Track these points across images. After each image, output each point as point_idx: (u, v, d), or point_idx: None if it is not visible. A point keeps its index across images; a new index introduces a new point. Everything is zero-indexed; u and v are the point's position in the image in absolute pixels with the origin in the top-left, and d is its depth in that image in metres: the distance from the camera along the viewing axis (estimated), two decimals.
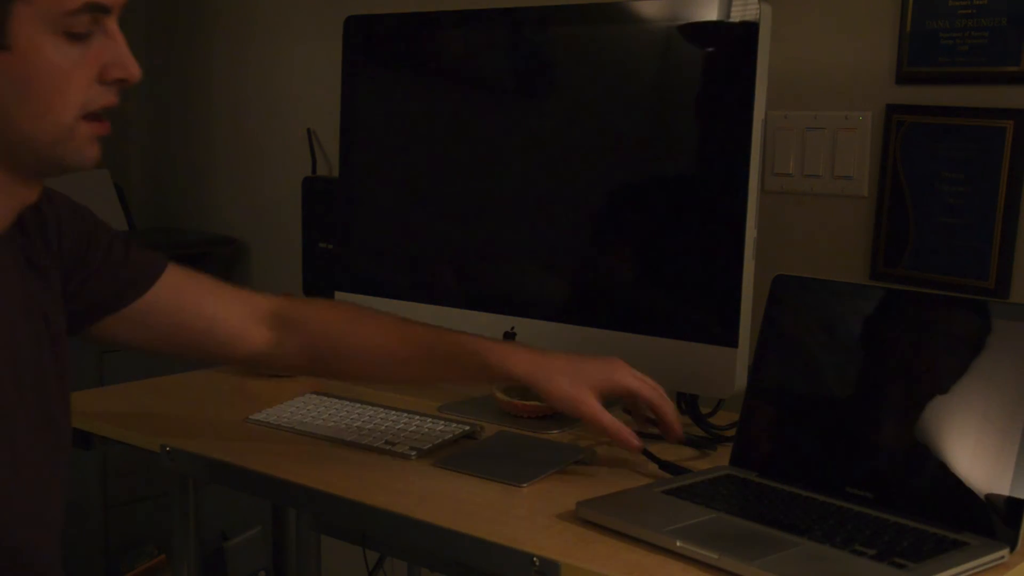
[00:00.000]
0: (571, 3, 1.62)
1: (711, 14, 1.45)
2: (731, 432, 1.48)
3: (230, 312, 1.38)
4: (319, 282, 2.29)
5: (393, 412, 1.58)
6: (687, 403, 1.52)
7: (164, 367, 1.82)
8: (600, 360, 1.36)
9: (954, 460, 1.18)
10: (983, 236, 1.64)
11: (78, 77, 1.02)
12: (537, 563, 1.12)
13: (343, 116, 1.85)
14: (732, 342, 1.43)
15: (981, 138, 1.63)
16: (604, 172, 1.59)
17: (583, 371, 1.34)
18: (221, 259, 2.78)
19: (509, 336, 1.64)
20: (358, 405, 1.61)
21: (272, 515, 2.73)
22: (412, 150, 1.78)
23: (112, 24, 1.04)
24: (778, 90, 1.55)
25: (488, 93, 1.74)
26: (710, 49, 1.47)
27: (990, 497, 1.15)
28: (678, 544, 1.12)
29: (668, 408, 1.36)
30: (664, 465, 1.37)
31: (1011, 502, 1.13)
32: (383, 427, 1.52)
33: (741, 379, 1.44)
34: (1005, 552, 1.12)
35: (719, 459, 1.42)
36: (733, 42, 1.44)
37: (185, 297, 1.34)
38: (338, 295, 1.82)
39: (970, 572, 1.09)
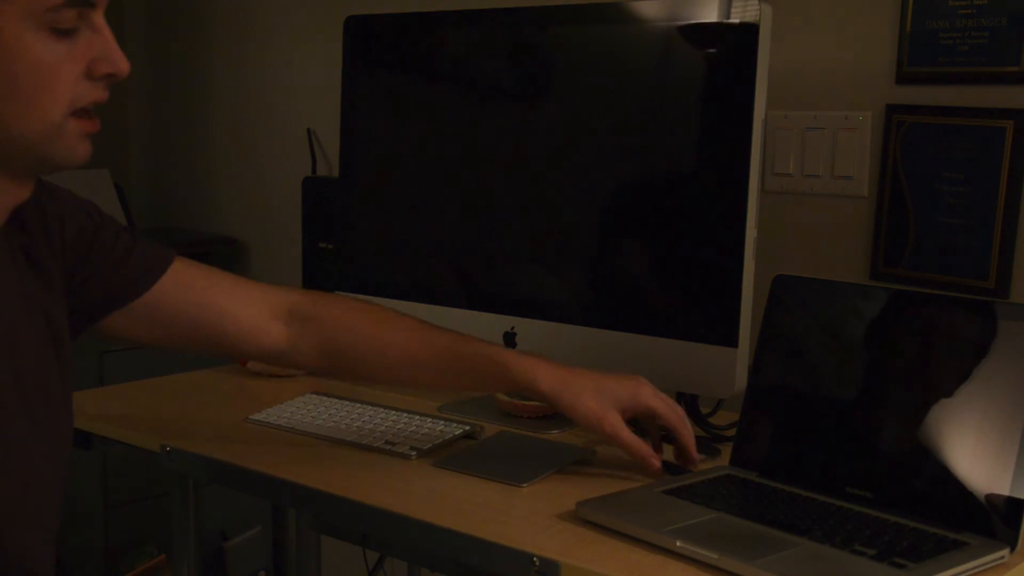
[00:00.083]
0: (571, 3, 1.62)
1: (711, 14, 1.45)
2: (731, 432, 1.48)
3: (243, 307, 1.36)
4: (319, 282, 2.29)
5: (393, 412, 1.58)
6: (687, 403, 1.52)
7: (164, 367, 1.83)
8: (623, 378, 1.35)
9: (954, 460, 1.18)
10: (983, 236, 1.64)
11: (65, 73, 1.01)
12: (537, 563, 1.12)
13: (343, 116, 1.85)
14: (732, 342, 1.43)
15: (981, 138, 1.63)
16: (604, 172, 1.59)
17: (607, 389, 1.33)
18: (221, 259, 2.78)
19: (509, 336, 1.64)
20: (358, 405, 1.61)
21: (272, 515, 2.73)
22: (412, 150, 1.78)
23: (99, 19, 1.03)
24: (778, 90, 1.55)
25: (488, 93, 1.73)
26: (710, 49, 1.47)
27: (990, 497, 1.15)
28: (678, 544, 1.12)
29: (687, 432, 1.36)
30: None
31: (1011, 502, 1.13)
32: (383, 427, 1.52)
33: (741, 379, 1.43)
34: (1005, 552, 1.12)
35: (719, 459, 1.42)
36: (733, 42, 1.43)
37: (193, 292, 1.33)
38: (338, 295, 1.82)
39: (970, 572, 1.09)
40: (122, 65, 1.04)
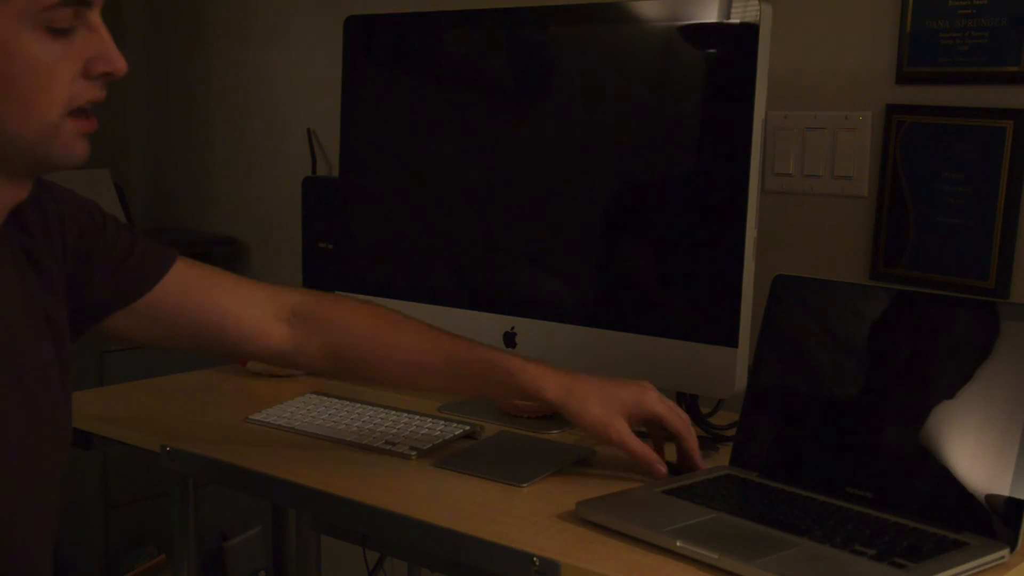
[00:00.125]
0: (571, 3, 1.62)
1: (711, 14, 1.45)
2: (731, 432, 1.48)
3: (246, 308, 1.36)
4: (319, 282, 2.29)
5: (393, 412, 1.58)
6: (687, 403, 1.52)
7: (164, 367, 1.83)
8: (629, 384, 1.35)
9: (954, 460, 1.18)
10: (983, 236, 1.64)
11: (62, 73, 1.01)
12: (537, 563, 1.12)
13: (343, 116, 1.85)
14: (732, 342, 1.43)
15: (981, 138, 1.63)
16: (604, 172, 1.59)
17: (613, 396, 1.33)
18: (221, 259, 2.78)
19: (509, 336, 1.64)
20: (358, 405, 1.61)
21: (272, 515, 2.73)
22: (412, 150, 1.78)
23: (95, 17, 1.03)
24: (778, 90, 1.55)
25: (488, 93, 1.74)
26: (710, 49, 1.47)
27: (990, 497, 1.15)
28: (678, 544, 1.12)
29: (691, 439, 1.36)
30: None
31: (1011, 502, 1.13)
32: (383, 427, 1.52)
33: (741, 379, 1.43)
34: (1005, 552, 1.12)
35: (719, 459, 1.42)
36: (733, 42, 1.43)
37: (195, 293, 1.33)
38: (338, 295, 1.82)
39: (970, 572, 1.09)
40: (119, 64, 1.04)
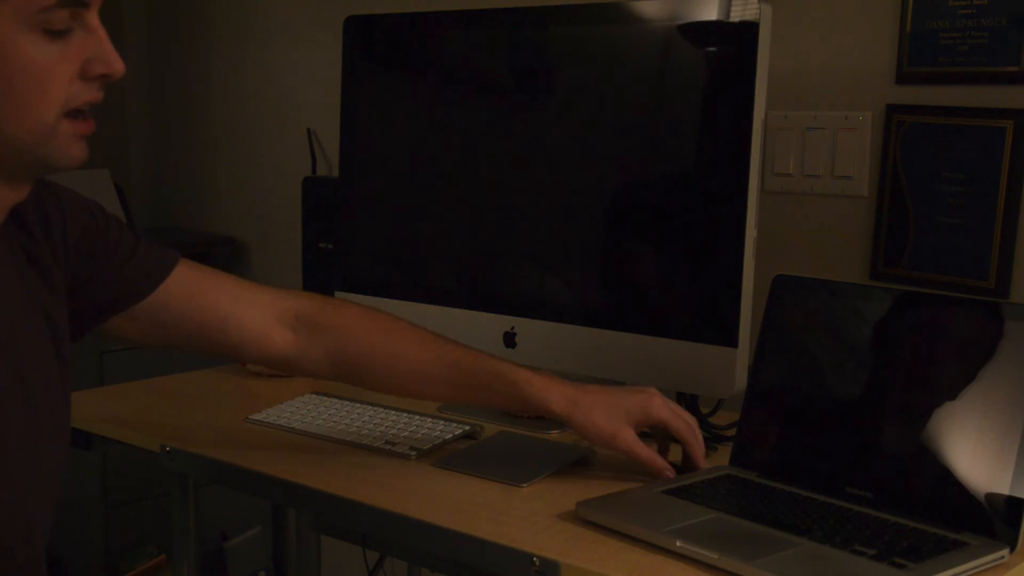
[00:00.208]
0: (571, 3, 1.62)
1: (711, 14, 1.45)
2: (731, 432, 1.48)
3: (248, 312, 1.35)
4: (319, 282, 2.29)
5: (393, 412, 1.58)
6: (687, 403, 1.52)
7: (164, 367, 1.83)
8: (634, 392, 1.36)
9: (954, 460, 1.18)
10: (983, 236, 1.64)
11: (59, 74, 1.00)
12: (537, 563, 1.12)
13: (343, 116, 1.85)
14: (732, 342, 1.43)
15: (981, 138, 1.63)
16: (604, 172, 1.59)
17: (618, 405, 1.34)
18: (221, 259, 2.78)
19: (509, 336, 1.64)
20: (358, 405, 1.61)
21: (272, 515, 2.73)
22: (412, 150, 1.78)
23: (93, 19, 1.02)
24: (778, 90, 1.55)
25: (488, 93, 1.74)
26: (710, 49, 1.47)
27: (990, 497, 1.15)
28: (678, 544, 1.12)
29: (696, 444, 1.36)
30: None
31: (1011, 502, 1.13)
32: (383, 427, 1.52)
33: (741, 379, 1.43)
34: (1005, 552, 1.12)
35: (719, 459, 1.42)
36: (733, 42, 1.43)
37: (197, 296, 1.32)
38: (338, 295, 1.82)
39: (970, 572, 1.08)
40: (116, 65, 1.04)
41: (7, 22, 0.97)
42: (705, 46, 1.47)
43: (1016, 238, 1.62)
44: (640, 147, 1.57)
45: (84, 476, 2.54)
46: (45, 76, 1.00)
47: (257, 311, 1.36)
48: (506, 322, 1.65)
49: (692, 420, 1.37)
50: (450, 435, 1.49)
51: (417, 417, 1.56)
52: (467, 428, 1.51)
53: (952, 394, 1.20)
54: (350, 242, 1.86)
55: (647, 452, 1.33)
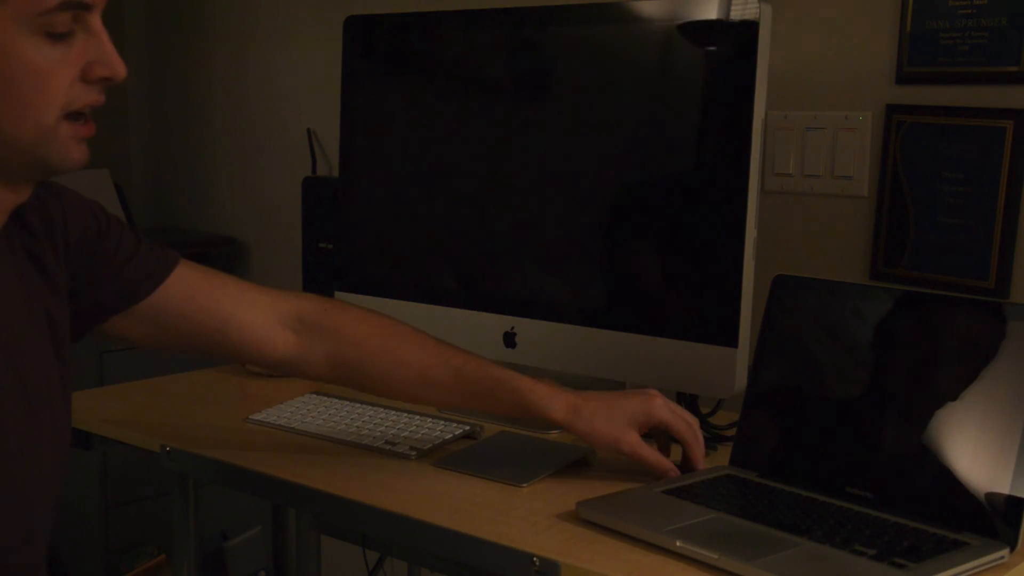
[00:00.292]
0: (571, 3, 1.62)
1: (711, 14, 1.45)
2: (731, 432, 1.48)
3: (249, 313, 1.34)
4: (319, 282, 2.29)
5: (393, 412, 1.58)
6: (687, 403, 1.52)
7: (164, 367, 1.82)
8: (635, 395, 1.36)
9: (954, 460, 1.18)
10: (983, 236, 1.64)
11: (59, 76, 1.00)
12: (537, 563, 1.12)
13: (343, 116, 1.85)
14: (732, 342, 1.43)
15: (981, 138, 1.63)
16: (604, 172, 1.59)
17: (620, 409, 1.34)
18: (221, 259, 2.79)
19: (509, 336, 1.64)
20: (358, 405, 1.61)
21: (272, 515, 2.73)
22: (412, 150, 1.78)
23: (95, 21, 1.02)
24: (778, 90, 1.55)
25: (488, 93, 1.74)
26: (710, 49, 1.47)
27: (990, 497, 1.15)
28: (678, 544, 1.12)
29: (697, 446, 1.36)
30: None
31: (1011, 502, 1.13)
32: (383, 427, 1.52)
33: (741, 379, 1.43)
34: (1005, 552, 1.12)
35: (719, 459, 1.42)
36: (733, 42, 1.43)
37: (197, 297, 1.32)
38: (338, 295, 1.82)
39: (970, 572, 1.08)
40: (118, 69, 1.03)
41: (8, 24, 0.97)
42: (705, 46, 1.47)
43: (1016, 238, 1.62)
44: (640, 147, 1.57)
45: (84, 476, 2.54)
46: (45, 79, 1.00)
47: (258, 313, 1.35)
48: (506, 322, 1.65)
49: (693, 420, 1.37)
50: (450, 435, 1.49)
51: (417, 417, 1.56)
52: (467, 428, 1.51)
53: (952, 394, 1.20)
54: (350, 242, 1.86)
55: (652, 453, 1.34)
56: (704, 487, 1.29)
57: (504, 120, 1.71)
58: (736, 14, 1.42)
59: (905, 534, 1.14)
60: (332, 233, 2.23)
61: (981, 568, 1.09)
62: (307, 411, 1.59)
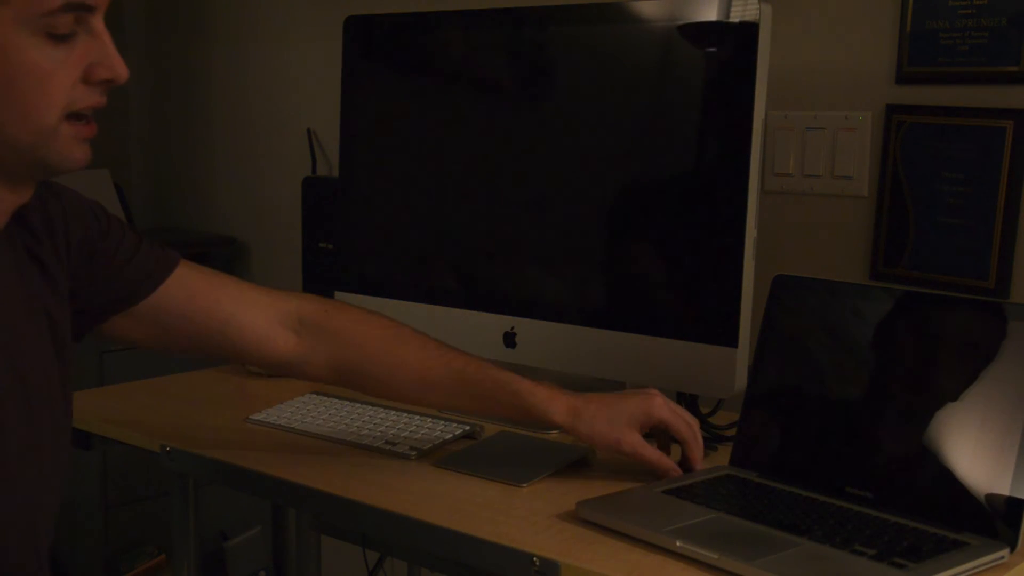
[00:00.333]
0: (571, 3, 1.62)
1: (711, 14, 1.45)
2: (731, 432, 1.48)
3: (250, 314, 1.34)
4: (319, 282, 2.29)
5: (393, 412, 1.58)
6: (687, 403, 1.52)
7: (164, 367, 1.82)
8: (635, 395, 1.36)
9: (954, 460, 1.18)
10: (983, 236, 1.64)
11: (61, 78, 1.00)
12: (537, 563, 1.12)
13: (343, 116, 1.85)
14: (732, 342, 1.43)
15: (981, 138, 1.63)
16: (604, 172, 1.59)
17: (620, 410, 1.34)
18: (221, 259, 2.78)
19: (509, 336, 1.64)
20: (358, 405, 1.61)
21: (272, 515, 2.73)
22: (412, 150, 1.78)
23: (98, 23, 1.02)
24: (778, 90, 1.55)
25: (488, 93, 1.74)
26: (710, 49, 1.47)
27: (990, 497, 1.15)
28: (678, 544, 1.12)
29: (696, 444, 1.36)
30: None
31: (1011, 502, 1.13)
32: (383, 427, 1.52)
33: (741, 379, 1.44)
34: (1005, 552, 1.12)
35: (719, 459, 1.42)
36: (733, 42, 1.44)
37: (198, 297, 1.31)
38: (338, 295, 1.82)
39: (970, 572, 1.08)
40: (120, 71, 1.03)
41: (10, 25, 0.97)
42: (705, 46, 1.47)
43: (1016, 238, 1.62)
44: (640, 147, 1.57)
45: (84, 476, 2.54)
46: (47, 80, 1.00)
47: (259, 313, 1.35)
48: (506, 322, 1.65)
49: (693, 420, 1.37)
50: (450, 435, 1.49)
51: (417, 417, 1.56)
52: (467, 428, 1.51)
53: (952, 394, 1.20)
54: (350, 242, 1.86)
55: (654, 453, 1.34)
56: (704, 487, 1.29)
57: (504, 120, 1.71)
58: (736, 14, 1.42)
59: (905, 534, 1.14)
60: (332, 233, 2.23)
61: (981, 568, 1.09)
62: (307, 411, 1.59)
